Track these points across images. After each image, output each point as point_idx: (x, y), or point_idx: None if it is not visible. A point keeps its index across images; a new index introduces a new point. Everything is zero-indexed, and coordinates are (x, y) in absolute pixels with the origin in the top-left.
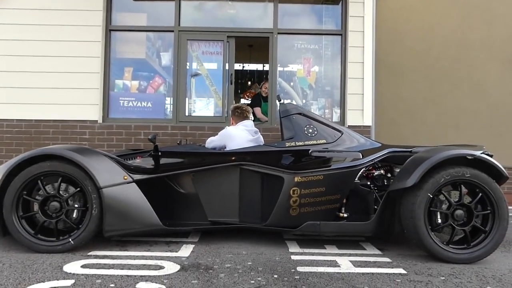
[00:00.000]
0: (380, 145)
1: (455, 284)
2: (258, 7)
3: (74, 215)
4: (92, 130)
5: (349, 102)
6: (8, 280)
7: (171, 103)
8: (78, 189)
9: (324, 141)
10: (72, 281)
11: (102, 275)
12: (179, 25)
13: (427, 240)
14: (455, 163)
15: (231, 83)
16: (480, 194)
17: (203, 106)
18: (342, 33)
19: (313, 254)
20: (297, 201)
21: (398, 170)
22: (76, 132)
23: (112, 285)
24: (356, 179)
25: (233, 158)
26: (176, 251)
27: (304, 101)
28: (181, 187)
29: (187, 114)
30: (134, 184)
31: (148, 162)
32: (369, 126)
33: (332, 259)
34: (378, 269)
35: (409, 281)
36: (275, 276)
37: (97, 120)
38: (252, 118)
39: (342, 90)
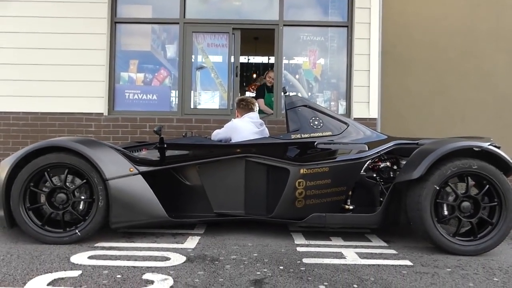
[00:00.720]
0: (386, 137)
1: (461, 275)
2: None
3: (81, 207)
4: (97, 123)
5: (355, 94)
6: (16, 270)
7: (177, 95)
8: (85, 181)
9: (329, 133)
10: (79, 272)
11: (108, 266)
12: (184, 17)
13: (434, 232)
14: (462, 155)
15: (237, 76)
16: (487, 186)
17: (208, 99)
18: (348, 25)
19: (318, 246)
20: (303, 193)
21: (404, 162)
22: (82, 125)
23: (119, 276)
24: (362, 171)
25: (239, 150)
26: (182, 243)
27: (309, 93)
28: (187, 179)
29: (192, 106)
30: (140, 176)
31: (154, 154)
32: (375, 118)
33: (338, 251)
34: (384, 261)
35: (415, 272)
36: (281, 267)
37: (102, 113)
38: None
39: (348, 83)
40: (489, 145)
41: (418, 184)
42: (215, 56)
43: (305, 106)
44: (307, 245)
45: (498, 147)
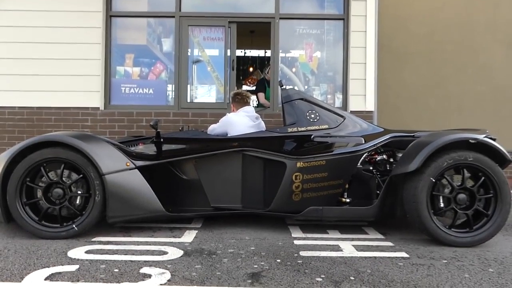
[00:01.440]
0: (383, 130)
1: (457, 267)
2: None
3: (78, 202)
4: (94, 117)
5: (351, 87)
6: (13, 265)
7: (173, 89)
8: (81, 175)
9: (326, 126)
10: (77, 266)
11: (106, 260)
12: (180, 10)
13: (430, 224)
14: (457, 147)
15: (233, 69)
16: (483, 178)
17: (205, 93)
18: (344, 17)
19: (315, 239)
20: (300, 187)
21: (400, 155)
22: (78, 119)
23: (116, 270)
24: (359, 164)
25: (236, 144)
26: (179, 237)
27: (306, 86)
28: (184, 173)
29: (189, 100)
30: (136, 170)
31: (151, 149)
32: (372, 111)
33: (335, 243)
34: (381, 253)
35: (411, 264)
36: (278, 260)
37: (98, 107)
38: (256, 104)
39: (345, 75)
40: (484, 137)
41: (414, 177)
42: (211, 49)
43: (302, 99)
44: (304, 238)
45: (494, 139)
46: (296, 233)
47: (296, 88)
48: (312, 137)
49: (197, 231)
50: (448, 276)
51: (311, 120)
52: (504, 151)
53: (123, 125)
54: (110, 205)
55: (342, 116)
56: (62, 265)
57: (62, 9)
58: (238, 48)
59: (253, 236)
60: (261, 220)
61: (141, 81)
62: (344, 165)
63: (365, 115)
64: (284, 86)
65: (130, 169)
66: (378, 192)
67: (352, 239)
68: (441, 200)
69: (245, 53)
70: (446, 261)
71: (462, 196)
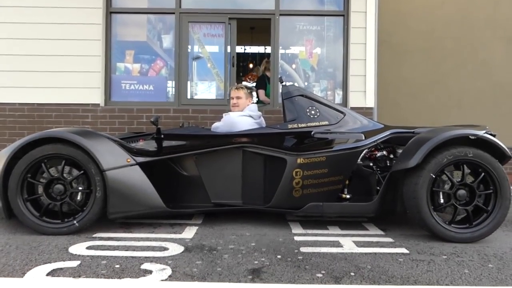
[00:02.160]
0: (383, 126)
1: (457, 262)
2: None
3: (78, 198)
4: (94, 114)
5: (351, 83)
6: (15, 261)
7: (173, 86)
8: (82, 171)
9: (326, 122)
10: (78, 262)
11: (107, 256)
12: (180, 7)
13: (430, 220)
14: (457, 143)
15: (233, 66)
16: (483, 174)
17: (205, 89)
18: (344, 14)
19: (316, 235)
20: (300, 183)
21: (400, 151)
22: (79, 116)
23: (117, 266)
24: (359, 160)
25: (236, 140)
26: (180, 233)
27: (306, 83)
28: (184, 170)
29: (189, 97)
30: (137, 166)
31: (151, 145)
32: (372, 107)
33: (335, 239)
34: (381, 249)
35: (411, 260)
36: (279, 256)
37: (99, 104)
38: (256, 100)
39: (345, 72)
40: (484, 133)
41: (414, 173)
42: (211, 46)
43: (302, 95)
44: (305, 234)
45: (494, 135)
46: (296, 229)
47: (296, 84)
48: (312, 133)
49: (197, 227)
50: (448, 271)
51: (311, 116)
52: (504, 147)
53: (124, 121)
54: (110, 201)
55: (342, 113)
56: (64, 261)
57: (62, 5)
58: (238, 44)
59: (254, 232)
60: (262, 216)
61: (141, 78)
62: (344, 161)
63: (365, 111)
64: (284, 83)
65: (131, 165)
66: (378, 188)
67: (352, 235)
68: (441, 196)
69: (245, 49)
70: (446, 256)
71: (462, 192)
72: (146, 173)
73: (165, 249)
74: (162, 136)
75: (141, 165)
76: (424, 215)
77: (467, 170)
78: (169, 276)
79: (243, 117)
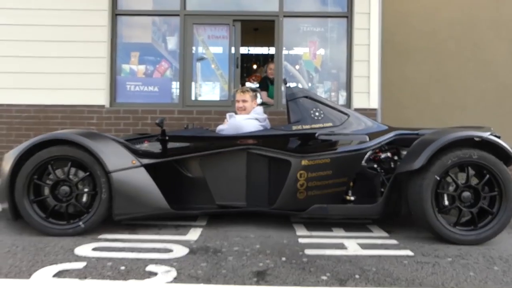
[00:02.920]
0: (387, 127)
1: (462, 265)
2: None
3: (84, 199)
4: (99, 115)
5: (355, 84)
6: (22, 262)
7: (178, 87)
8: (88, 173)
9: (330, 124)
10: (84, 263)
11: (112, 258)
12: (184, 9)
13: (434, 222)
14: (462, 145)
15: (237, 67)
16: (488, 175)
17: (209, 90)
18: (348, 15)
19: (320, 237)
20: (304, 185)
21: (405, 152)
22: (84, 117)
23: (123, 267)
24: (363, 162)
25: (240, 142)
26: (185, 235)
27: (310, 84)
28: (189, 171)
29: (193, 98)
30: (142, 168)
31: (156, 147)
32: (375, 108)
33: (340, 241)
34: (385, 251)
35: (416, 262)
36: (283, 259)
37: (104, 105)
38: (260, 102)
39: (348, 73)
40: (489, 134)
41: (419, 175)
42: (215, 47)
43: (306, 97)
44: (309, 236)
45: (498, 137)
46: (300, 231)
47: (300, 85)
48: (316, 135)
49: (202, 228)
50: (453, 274)
51: (316, 118)
52: (509, 148)
53: (128, 122)
54: (116, 202)
55: (346, 114)
56: (70, 262)
57: (68, 7)
58: (242, 45)
59: (258, 234)
60: (266, 218)
61: (146, 79)
62: (348, 163)
63: (369, 113)
64: (288, 84)
65: (136, 167)
66: (382, 190)
67: (357, 237)
68: (445, 198)
69: (249, 50)
70: (451, 259)
71: (466, 194)
72: (151, 174)
73: (170, 251)
74: (167, 137)
75: (146, 166)
76: (429, 217)
77: (471, 172)
78: (174, 278)
79: (249, 120)
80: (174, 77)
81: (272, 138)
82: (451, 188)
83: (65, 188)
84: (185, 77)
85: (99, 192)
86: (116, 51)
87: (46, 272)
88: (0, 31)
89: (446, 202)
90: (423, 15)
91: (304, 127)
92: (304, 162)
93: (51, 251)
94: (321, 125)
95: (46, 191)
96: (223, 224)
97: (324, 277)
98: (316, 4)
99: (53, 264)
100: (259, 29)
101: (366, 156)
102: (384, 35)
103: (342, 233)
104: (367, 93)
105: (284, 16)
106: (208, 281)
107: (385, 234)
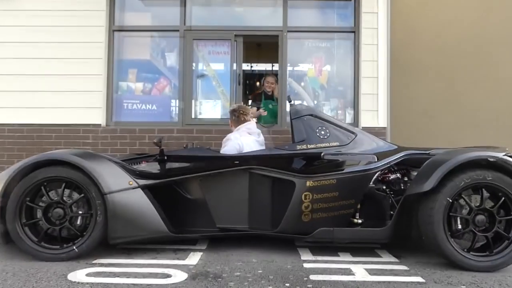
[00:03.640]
0: (396, 147)
1: None
2: (266, 5)
3: (78, 222)
4: (95, 134)
5: (363, 102)
6: None
7: (177, 105)
8: (82, 195)
9: (337, 143)
10: None
11: (107, 283)
12: (184, 24)
13: (447, 246)
14: (475, 165)
15: (239, 84)
16: (503, 198)
17: (210, 108)
18: (355, 30)
19: (326, 262)
20: (309, 207)
21: (415, 173)
22: (79, 136)
23: None
24: (371, 183)
25: (242, 162)
26: (184, 259)
27: (315, 102)
28: (188, 193)
29: (193, 116)
30: (139, 189)
31: (154, 167)
32: (384, 127)
33: (346, 267)
34: (395, 278)
35: None
36: (287, 284)
37: (100, 124)
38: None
39: (356, 90)
40: (504, 155)
41: (430, 197)
42: (216, 64)
43: (311, 115)
44: (314, 261)
45: None
46: (305, 255)
47: (305, 103)
48: (322, 154)
49: (202, 253)
50: None
51: (321, 137)
52: None
53: (126, 142)
54: (112, 225)
55: (353, 133)
56: None
57: (63, 24)
58: (244, 62)
59: (261, 258)
60: (269, 241)
61: (145, 97)
62: (356, 184)
63: (377, 132)
64: (292, 102)
65: (133, 188)
66: (391, 212)
67: (365, 262)
68: (458, 222)
69: (251, 67)
70: (464, 286)
71: (481, 217)
72: (149, 196)
73: (168, 276)
74: (166, 157)
75: (144, 188)
76: (441, 241)
77: (486, 194)
78: None
79: (246, 137)
80: (173, 94)
81: (275, 158)
82: (464, 211)
83: (58, 211)
84: (185, 94)
85: (94, 214)
86: (113, 68)
87: None
88: None
89: (459, 226)
90: (433, 31)
91: (309, 146)
92: (309, 183)
93: (43, 277)
94: (327, 144)
95: (39, 213)
96: (224, 248)
97: None
98: (321, 19)
99: None
100: (262, 45)
101: (375, 177)
102: (392, 52)
103: (349, 258)
104: (375, 111)
105: (288, 31)
106: None
107: (394, 260)
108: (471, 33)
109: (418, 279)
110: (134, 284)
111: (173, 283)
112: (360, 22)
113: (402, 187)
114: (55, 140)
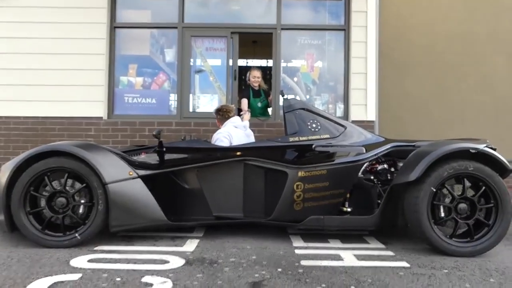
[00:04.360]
0: (384, 139)
1: (458, 277)
2: (261, 3)
3: (81, 211)
4: (97, 127)
5: (353, 97)
6: (17, 274)
7: (175, 99)
8: (84, 185)
9: (327, 136)
10: (79, 275)
11: (108, 269)
12: (182, 21)
13: (430, 233)
14: (458, 157)
15: (235, 79)
16: (484, 187)
17: (207, 102)
18: (345, 28)
19: (317, 248)
20: (301, 196)
21: (401, 164)
22: (82, 129)
23: (118, 279)
24: (360, 173)
25: (237, 153)
26: (181, 246)
27: (307, 96)
28: (186, 183)
29: (191, 110)
30: (139, 179)
31: (153, 158)
32: (373, 121)
33: (336, 253)
34: (382, 263)
35: (412, 274)
36: (279, 270)
37: (102, 117)
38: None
39: (346, 85)
40: (485, 147)
41: (415, 186)
42: (213, 60)
43: (303, 109)
44: (306, 248)
45: (494, 149)
46: (297, 242)
47: (297, 97)
48: (313, 146)
49: (199, 240)
50: (449, 286)
51: (313, 129)
52: (505, 160)
53: (126, 134)
54: (112, 214)
55: (343, 126)
56: (65, 273)
57: (67, 20)
58: (240, 58)
59: (255, 245)
60: (263, 229)
61: (144, 91)
62: (345, 175)
63: (366, 125)
64: (285, 96)
65: (133, 178)
66: (379, 201)
67: (353, 249)
68: (441, 210)
69: (247, 63)
70: (447, 270)
71: (462, 205)
72: (148, 186)
73: (166, 262)
74: (164, 149)
75: (143, 178)
76: (425, 228)
77: (467, 184)
78: None
79: (233, 130)
80: (172, 89)
81: (269, 149)
82: (447, 200)
83: (61, 200)
84: (183, 89)
85: (95, 203)
86: (114, 63)
87: (41, 284)
88: None
89: (442, 214)
90: (420, 29)
91: (301, 138)
92: (301, 174)
93: (46, 263)
94: (318, 136)
95: (43, 202)
96: (220, 235)
97: None
98: (313, 17)
99: (48, 276)
100: (257, 41)
101: (363, 167)
102: (381, 49)
103: (338, 244)
104: (364, 105)
105: (282, 29)
106: None
107: (381, 246)
108: (457, 32)
109: (404, 264)
110: (133, 270)
111: (171, 269)
112: (350, 20)
113: (389, 177)
114: (58, 132)
